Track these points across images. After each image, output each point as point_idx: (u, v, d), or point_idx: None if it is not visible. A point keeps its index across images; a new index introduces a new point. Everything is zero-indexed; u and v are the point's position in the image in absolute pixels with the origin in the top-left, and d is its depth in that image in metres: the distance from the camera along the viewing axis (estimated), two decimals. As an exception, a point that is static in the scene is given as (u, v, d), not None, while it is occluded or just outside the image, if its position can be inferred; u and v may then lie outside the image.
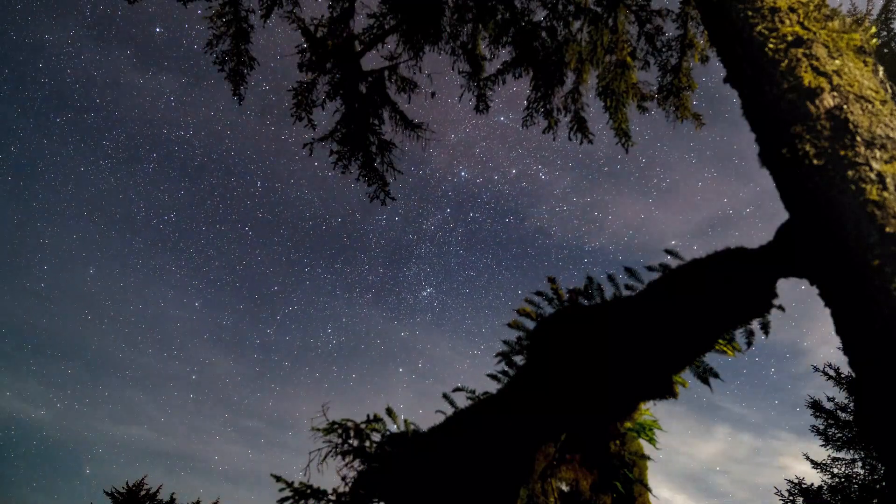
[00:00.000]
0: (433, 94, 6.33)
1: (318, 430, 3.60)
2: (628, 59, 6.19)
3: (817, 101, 1.74)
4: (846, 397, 11.90)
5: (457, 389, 4.05)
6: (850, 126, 1.63)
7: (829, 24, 1.98)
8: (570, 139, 6.68)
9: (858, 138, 1.60)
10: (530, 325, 4.14)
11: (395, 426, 3.67)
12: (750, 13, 2.09)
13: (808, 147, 1.70)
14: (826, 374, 11.91)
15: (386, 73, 6.24)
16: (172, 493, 14.38)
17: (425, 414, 4.02)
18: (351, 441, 3.55)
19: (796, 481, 12.03)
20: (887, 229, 1.40)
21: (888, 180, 1.48)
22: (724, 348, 3.44)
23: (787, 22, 1.99)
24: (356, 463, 3.48)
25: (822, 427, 12.05)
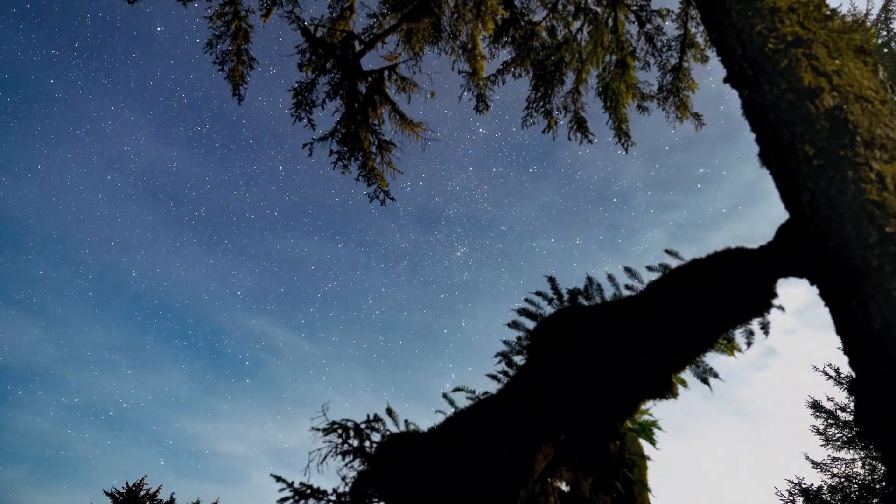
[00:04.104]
0: (433, 94, 6.33)
1: (318, 430, 3.60)
2: (628, 59, 6.19)
3: (817, 101, 1.74)
4: (846, 397, 11.89)
5: (457, 389, 4.05)
6: (850, 126, 1.63)
7: (829, 24, 1.98)
8: (569, 139, 6.68)
9: (858, 138, 1.60)
10: (530, 325, 4.14)
11: (395, 426, 3.67)
12: (750, 13, 2.08)
13: (808, 147, 1.70)
14: (826, 374, 11.90)
15: (386, 72, 6.24)
16: (172, 494, 14.38)
17: (475, 371, 4.05)
18: (351, 441, 3.55)
19: (796, 481, 12.01)
20: (887, 229, 1.40)
21: (888, 180, 1.48)
22: (724, 348, 3.44)
23: (787, 22, 1.98)
24: (356, 463, 3.48)
25: (822, 427, 12.05)
